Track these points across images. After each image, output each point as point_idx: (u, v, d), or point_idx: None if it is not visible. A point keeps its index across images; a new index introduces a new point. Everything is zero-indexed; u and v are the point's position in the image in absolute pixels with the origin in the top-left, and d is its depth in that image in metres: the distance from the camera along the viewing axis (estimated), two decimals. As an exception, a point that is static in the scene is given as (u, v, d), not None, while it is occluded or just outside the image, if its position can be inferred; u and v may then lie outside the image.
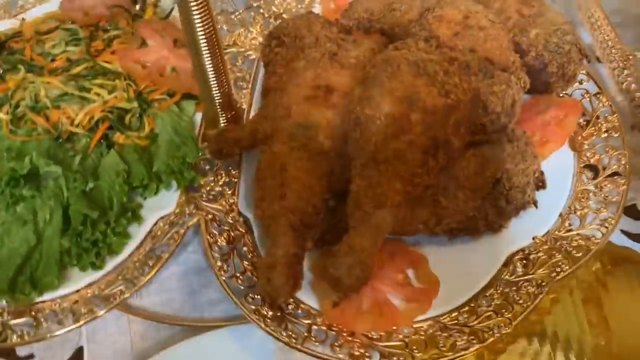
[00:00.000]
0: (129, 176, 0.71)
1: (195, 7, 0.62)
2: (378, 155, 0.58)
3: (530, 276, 0.65)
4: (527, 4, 0.76)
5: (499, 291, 0.65)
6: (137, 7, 0.42)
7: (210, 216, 0.70)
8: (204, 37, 0.65)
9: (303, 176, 0.64)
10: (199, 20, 0.63)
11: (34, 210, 0.67)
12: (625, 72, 0.84)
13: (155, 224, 0.70)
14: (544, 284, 0.64)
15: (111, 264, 0.67)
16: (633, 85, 0.83)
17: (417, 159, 0.58)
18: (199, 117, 0.80)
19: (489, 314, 0.63)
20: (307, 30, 0.79)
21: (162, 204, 0.72)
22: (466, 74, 0.62)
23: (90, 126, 0.75)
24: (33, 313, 0.62)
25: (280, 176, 0.65)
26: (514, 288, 0.65)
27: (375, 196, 0.59)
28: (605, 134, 0.76)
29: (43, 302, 0.64)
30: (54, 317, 0.62)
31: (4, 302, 0.63)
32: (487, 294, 0.65)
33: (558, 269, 0.65)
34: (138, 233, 0.69)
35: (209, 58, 0.68)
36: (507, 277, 0.66)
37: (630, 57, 0.85)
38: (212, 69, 0.69)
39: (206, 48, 0.67)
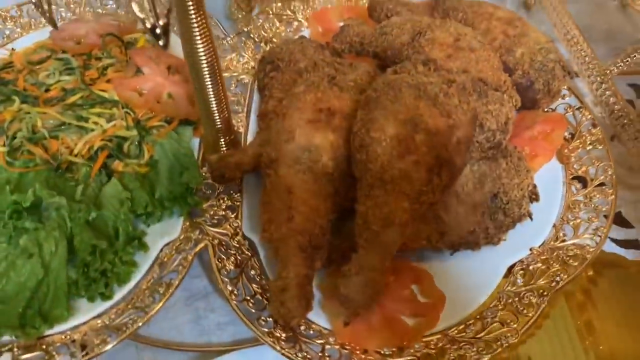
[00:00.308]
0: (132, 204, 0.71)
1: (199, 36, 0.63)
2: (384, 175, 0.60)
3: (531, 286, 0.68)
4: (512, 24, 0.80)
5: (502, 302, 0.67)
6: (161, 42, 0.43)
7: (216, 241, 0.71)
8: (206, 65, 0.66)
9: (309, 198, 0.66)
10: (202, 48, 0.64)
11: (39, 243, 0.66)
12: (604, 86, 0.88)
13: (161, 250, 0.70)
14: (545, 293, 0.66)
15: (119, 293, 0.67)
16: (611, 98, 0.87)
17: (422, 178, 0.60)
18: (196, 142, 0.81)
19: (495, 324, 0.65)
20: (301, 54, 0.81)
21: (166, 231, 0.72)
22: (464, 95, 0.64)
23: (89, 155, 0.74)
24: (44, 347, 0.62)
25: (287, 199, 0.66)
26: (517, 299, 0.67)
27: (383, 215, 0.61)
28: (590, 146, 0.80)
29: (53, 335, 0.63)
30: (66, 350, 0.62)
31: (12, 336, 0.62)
32: (492, 306, 0.67)
33: (557, 278, 0.67)
34: (145, 261, 0.69)
35: (211, 85, 0.69)
36: (509, 288, 0.69)
37: (607, 71, 0.89)
38: (213, 95, 0.70)
39: (208, 75, 0.68)
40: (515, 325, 0.64)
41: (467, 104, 0.64)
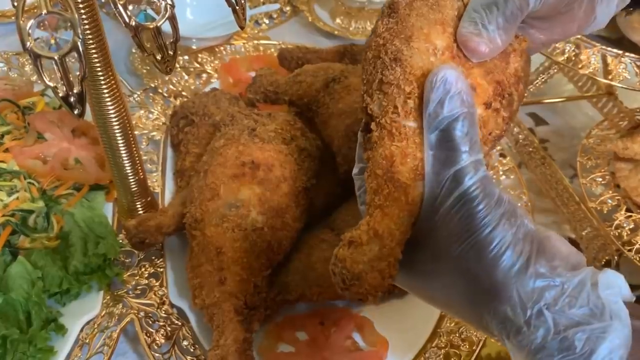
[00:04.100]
0: (44, 282, 0.64)
1: (109, 97, 0.60)
2: None
3: (469, 320, 0.69)
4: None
5: (443, 340, 0.67)
6: (76, 112, 0.39)
7: (142, 313, 0.66)
8: (118, 127, 0.63)
9: (241, 257, 0.63)
10: (112, 110, 0.61)
11: None
12: (507, 117, 0.93)
13: (81, 330, 0.64)
14: (483, 325, 0.67)
15: (37, 386, 0.59)
16: (515, 128, 0.93)
17: None
18: (109, 207, 0.76)
19: (441, 364, 0.65)
20: (215, 107, 0.79)
21: (85, 308, 0.66)
22: None
23: (-11, 234, 0.67)
24: None
25: (217, 260, 0.63)
26: (457, 334, 0.67)
27: (421, 162, 0.41)
28: (503, 176, 0.84)
29: None
30: None
31: None
32: (434, 345, 0.67)
33: (492, 309, 0.69)
34: (63, 345, 0.62)
35: (124, 148, 0.65)
36: (447, 324, 0.69)
37: (508, 104, 0.95)
38: (126, 158, 0.67)
39: (120, 138, 0.64)
40: (460, 362, 0.64)
41: None
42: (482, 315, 0.39)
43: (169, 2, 0.40)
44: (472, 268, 0.38)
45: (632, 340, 0.35)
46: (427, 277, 0.41)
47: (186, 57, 0.95)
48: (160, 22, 0.40)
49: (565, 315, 0.36)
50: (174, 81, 0.91)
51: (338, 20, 1.14)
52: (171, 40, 0.43)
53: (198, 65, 0.96)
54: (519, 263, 0.37)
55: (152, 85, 0.90)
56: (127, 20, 0.40)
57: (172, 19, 0.41)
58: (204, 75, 0.95)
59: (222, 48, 0.98)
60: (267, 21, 1.13)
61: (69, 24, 0.38)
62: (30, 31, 0.37)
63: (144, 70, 0.96)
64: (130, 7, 0.40)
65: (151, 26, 0.40)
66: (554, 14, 0.43)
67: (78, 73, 0.41)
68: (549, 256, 0.37)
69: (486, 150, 0.43)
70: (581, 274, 0.37)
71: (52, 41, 0.38)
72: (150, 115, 0.87)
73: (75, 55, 0.38)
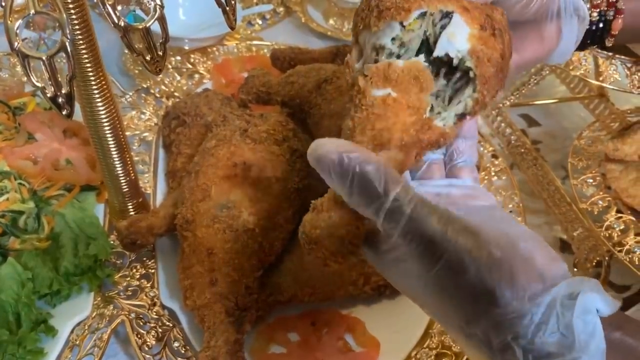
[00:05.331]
0: (34, 284, 0.64)
1: (99, 98, 0.60)
2: None
3: (460, 321, 0.69)
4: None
5: (435, 340, 0.67)
6: (64, 112, 0.39)
7: (133, 314, 0.65)
8: (109, 128, 0.63)
9: (232, 258, 0.63)
10: (103, 111, 0.61)
11: None
12: (499, 118, 0.94)
13: (72, 332, 0.64)
14: (474, 326, 0.67)
15: (26, 389, 0.59)
16: (507, 129, 0.93)
17: None
18: (100, 208, 0.75)
19: (432, 363, 0.65)
20: (207, 108, 0.79)
21: (75, 309, 0.65)
22: None
23: (-22, 235, 0.67)
24: None
25: (208, 261, 0.63)
26: (448, 335, 0.67)
27: (379, 132, 0.42)
28: (495, 177, 0.84)
29: None
30: None
31: None
32: (425, 346, 0.67)
33: (483, 310, 0.69)
34: (53, 347, 0.62)
35: (115, 149, 0.65)
36: (439, 325, 0.69)
37: (501, 105, 0.95)
38: (117, 159, 0.66)
39: (111, 139, 0.64)
40: (451, 363, 0.64)
41: None
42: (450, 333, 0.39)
43: (158, 2, 0.40)
44: (440, 292, 0.37)
45: (608, 357, 0.34)
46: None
47: (178, 58, 0.95)
48: (149, 23, 0.40)
49: (535, 345, 0.34)
50: (166, 82, 0.91)
51: (331, 21, 1.14)
52: (161, 40, 0.43)
53: (190, 66, 0.95)
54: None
55: (144, 85, 0.90)
56: (115, 20, 0.40)
57: (161, 20, 0.41)
58: (197, 76, 0.95)
59: (214, 49, 0.98)
60: (260, 22, 1.13)
61: (58, 24, 0.38)
62: (18, 31, 0.37)
63: (136, 71, 0.95)
64: (119, 8, 0.40)
65: (140, 27, 0.40)
66: (524, 20, 0.44)
67: (67, 73, 0.40)
68: (517, 282, 0.35)
69: (492, 72, 0.41)
70: (550, 294, 0.35)
71: (41, 41, 0.37)
72: (142, 116, 0.86)
73: (64, 55, 0.38)
